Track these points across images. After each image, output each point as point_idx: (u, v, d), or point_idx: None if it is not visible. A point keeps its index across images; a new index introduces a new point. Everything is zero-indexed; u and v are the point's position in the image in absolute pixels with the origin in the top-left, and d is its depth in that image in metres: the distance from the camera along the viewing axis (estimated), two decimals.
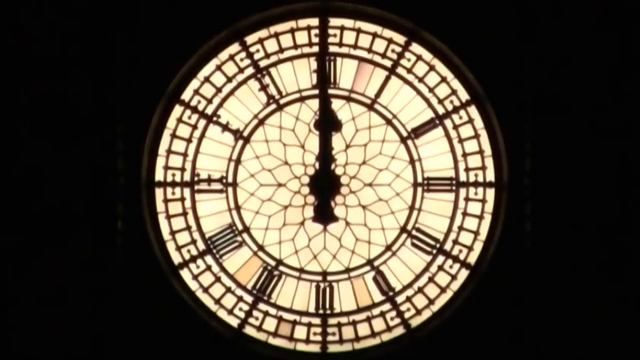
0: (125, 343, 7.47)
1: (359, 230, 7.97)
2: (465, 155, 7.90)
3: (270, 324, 7.89)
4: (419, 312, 7.90)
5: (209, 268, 7.91)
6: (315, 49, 7.99)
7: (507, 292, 7.54)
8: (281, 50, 7.98)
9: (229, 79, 7.96)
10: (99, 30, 7.52)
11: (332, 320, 7.91)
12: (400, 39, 7.94)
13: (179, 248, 7.90)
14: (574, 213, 7.50)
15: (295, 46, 7.99)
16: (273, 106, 7.98)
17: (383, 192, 7.98)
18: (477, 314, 7.62)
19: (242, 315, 7.89)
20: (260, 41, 7.96)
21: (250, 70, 7.98)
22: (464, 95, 7.90)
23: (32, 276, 7.44)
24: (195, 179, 7.93)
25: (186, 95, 7.93)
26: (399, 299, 7.91)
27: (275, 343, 7.89)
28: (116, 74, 7.53)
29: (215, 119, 7.94)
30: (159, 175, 7.91)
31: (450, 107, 7.92)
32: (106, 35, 7.52)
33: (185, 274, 7.89)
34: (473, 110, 7.90)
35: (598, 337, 7.44)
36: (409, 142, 7.95)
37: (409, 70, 7.94)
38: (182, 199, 7.91)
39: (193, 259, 7.91)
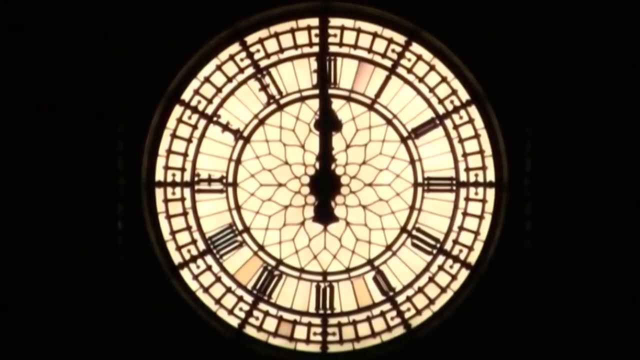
0: (125, 343, 7.47)
1: (359, 230, 7.97)
2: (465, 155, 7.90)
3: (270, 324, 7.89)
4: (419, 312, 7.90)
5: (209, 268, 7.91)
6: (316, 49, 7.99)
7: (507, 292, 7.54)
8: (281, 50, 7.98)
9: (229, 79, 7.96)
10: (99, 30, 7.51)
11: (333, 320, 7.91)
12: (401, 39, 7.94)
13: (179, 248, 7.90)
14: (574, 213, 7.49)
15: (296, 46, 7.99)
16: (273, 106, 7.98)
17: (383, 192, 7.98)
18: (478, 314, 7.62)
19: (242, 315, 7.89)
20: (261, 41, 7.96)
21: (250, 70, 7.98)
22: (464, 95, 7.90)
23: (32, 276, 7.44)
24: (196, 179, 7.93)
25: (186, 95, 7.93)
26: (399, 299, 7.91)
27: (276, 343, 7.89)
28: (116, 74, 7.53)
29: (215, 119, 7.94)
30: (159, 175, 7.91)
31: (450, 107, 7.92)
32: (106, 35, 7.52)
33: (185, 274, 7.89)
34: (473, 110, 7.90)
35: (598, 337, 7.44)
36: (409, 142, 7.95)
37: (409, 70, 7.94)
38: (183, 199, 7.91)
39: (193, 259, 7.91)
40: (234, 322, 7.88)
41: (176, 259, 7.89)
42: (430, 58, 7.91)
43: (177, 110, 7.93)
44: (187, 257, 7.91)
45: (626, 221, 7.45)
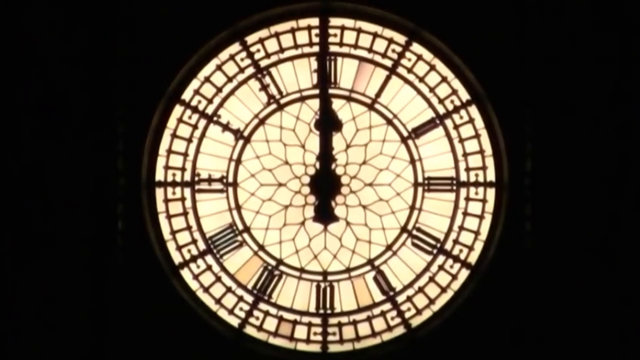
0: (125, 343, 7.48)
1: (359, 230, 7.98)
2: (465, 155, 7.90)
3: (270, 324, 7.90)
4: (419, 311, 7.90)
5: (209, 268, 7.91)
6: (316, 48, 7.99)
7: (508, 291, 7.54)
8: (282, 50, 7.98)
9: (230, 79, 7.96)
10: (99, 30, 7.51)
11: (333, 320, 7.91)
12: (401, 38, 7.94)
13: (179, 248, 7.91)
14: (574, 213, 7.49)
15: (296, 46, 7.99)
16: (273, 106, 7.98)
17: (383, 192, 7.98)
18: (478, 313, 7.62)
19: (242, 315, 7.89)
20: (261, 41, 7.96)
21: (250, 70, 7.98)
22: (465, 95, 7.90)
23: (33, 276, 7.44)
24: (196, 178, 7.94)
25: (187, 95, 7.93)
26: (400, 298, 7.91)
27: (276, 343, 7.89)
28: (117, 74, 7.53)
29: (215, 118, 7.95)
30: (159, 175, 7.91)
31: (450, 107, 7.92)
32: (106, 35, 7.52)
33: (185, 273, 7.90)
34: (473, 110, 7.90)
35: (598, 337, 7.44)
36: (410, 142, 7.95)
37: (410, 70, 7.94)
38: (183, 199, 7.92)
39: (193, 258, 7.92)
40: (234, 321, 7.89)
41: (176, 258, 7.90)
42: (430, 58, 7.91)
43: (178, 110, 7.93)
44: (188, 256, 7.91)
45: (626, 221, 7.45)
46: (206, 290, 7.89)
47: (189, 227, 7.91)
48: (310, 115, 7.97)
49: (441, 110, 7.93)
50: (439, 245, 7.91)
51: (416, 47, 7.93)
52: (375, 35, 7.95)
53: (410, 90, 7.94)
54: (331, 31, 7.98)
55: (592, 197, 7.49)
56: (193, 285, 7.89)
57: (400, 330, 7.90)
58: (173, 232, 7.90)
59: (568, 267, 7.47)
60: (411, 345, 7.77)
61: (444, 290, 7.90)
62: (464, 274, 7.89)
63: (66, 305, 7.43)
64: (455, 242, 7.90)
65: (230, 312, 7.89)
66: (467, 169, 7.91)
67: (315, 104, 7.96)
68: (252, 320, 7.89)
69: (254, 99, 7.99)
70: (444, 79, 7.91)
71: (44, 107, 7.49)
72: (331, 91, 7.95)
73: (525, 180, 7.61)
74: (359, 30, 7.95)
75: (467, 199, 7.91)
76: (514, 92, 7.59)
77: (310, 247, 7.97)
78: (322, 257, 7.98)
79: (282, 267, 7.93)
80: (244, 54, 7.96)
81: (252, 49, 7.96)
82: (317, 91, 7.96)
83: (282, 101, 7.99)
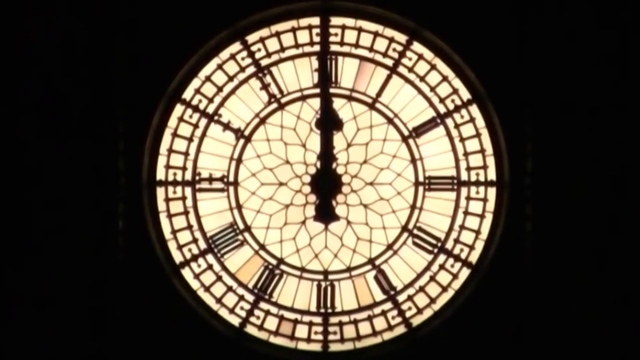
0: (126, 342, 7.48)
1: (360, 229, 7.98)
2: (466, 154, 7.90)
3: (271, 323, 7.90)
4: (420, 311, 7.91)
5: (210, 267, 7.91)
6: (317, 48, 7.99)
7: (508, 291, 7.54)
8: (282, 49, 7.98)
9: (230, 78, 7.96)
10: (99, 30, 7.51)
11: (334, 319, 7.92)
12: (402, 38, 7.94)
13: (180, 247, 7.91)
14: (574, 212, 7.49)
15: (297, 45, 7.99)
16: (274, 105, 7.98)
17: (384, 191, 7.98)
18: (478, 313, 7.62)
19: (243, 314, 7.90)
20: (262, 40, 7.96)
21: (251, 69, 7.98)
22: (465, 95, 7.90)
23: (33, 275, 7.44)
24: (197, 178, 7.94)
25: (187, 94, 7.93)
26: (400, 297, 7.91)
27: (277, 342, 7.90)
28: (117, 73, 7.53)
29: (216, 118, 7.95)
30: (160, 175, 7.91)
31: (451, 106, 7.92)
32: (107, 34, 7.52)
33: (186, 273, 7.90)
34: (474, 109, 7.89)
35: (598, 337, 7.43)
36: (410, 141, 7.95)
37: (410, 70, 7.94)
38: (184, 198, 7.92)
39: (194, 258, 7.92)
40: (235, 321, 7.89)
41: (177, 258, 7.90)
42: (431, 57, 7.91)
43: (178, 109, 7.93)
44: (188, 256, 7.91)
45: (626, 221, 7.45)
46: (207, 289, 7.89)
47: (189, 227, 7.91)
48: (311, 114, 7.97)
49: (442, 109, 7.92)
50: (439, 244, 7.91)
51: (417, 47, 7.92)
52: (376, 34, 7.95)
53: (411, 89, 7.94)
54: (332, 30, 7.98)
55: (593, 197, 7.48)
56: (194, 284, 7.89)
57: (401, 330, 7.91)
58: (174, 232, 7.90)
59: (568, 267, 7.47)
60: (412, 345, 7.77)
61: (444, 289, 7.90)
62: (465, 273, 7.89)
63: (66, 305, 7.43)
64: (456, 241, 7.90)
65: (231, 311, 7.89)
66: (468, 168, 7.91)
67: (316, 103, 7.96)
68: (252, 319, 7.89)
69: (255, 98, 7.99)
70: (445, 78, 7.91)
71: (44, 107, 7.49)
72: (332, 90, 7.95)
73: (526, 180, 7.60)
74: (360, 30, 7.95)
75: (468, 198, 7.91)
76: (515, 92, 7.59)
77: (311, 247, 7.98)
78: (322, 257, 7.98)
79: (282, 267, 7.93)
80: (244, 53, 7.96)
81: (253, 48, 7.96)
82: (317, 90, 7.96)
83: (283, 100, 7.98)
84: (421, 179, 7.94)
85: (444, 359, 7.63)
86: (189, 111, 7.93)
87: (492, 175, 7.89)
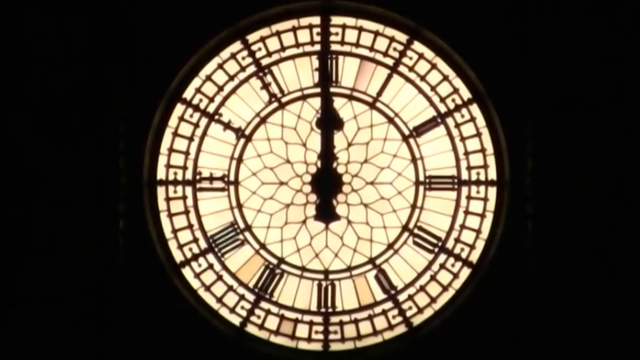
0: (127, 342, 7.48)
1: (360, 229, 7.98)
2: (467, 153, 7.90)
3: (272, 323, 7.90)
4: (420, 310, 7.90)
5: (210, 266, 7.91)
6: (317, 47, 7.98)
7: (509, 290, 7.54)
8: (283, 48, 7.97)
9: (231, 78, 7.96)
10: (100, 29, 7.51)
11: (334, 319, 7.91)
12: (402, 37, 7.94)
13: (180, 246, 7.91)
14: (575, 212, 7.49)
15: (297, 44, 7.98)
16: (275, 104, 7.98)
17: (385, 190, 7.97)
18: (479, 312, 7.62)
19: (244, 313, 7.89)
20: (262, 39, 7.96)
21: (252, 69, 7.98)
22: (466, 94, 7.90)
23: (33, 276, 7.44)
24: (197, 177, 7.94)
25: (188, 94, 7.93)
26: (401, 297, 7.91)
27: (277, 341, 7.89)
28: (118, 73, 7.53)
29: (217, 117, 7.95)
30: (160, 174, 7.91)
31: (452, 106, 7.92)
32: (107, 33, 7.52)
33: (187, 272, 7.90)
34: (475, 109, 7.89)
35: (598, 336, 7.43)
36: (411, 140, 7.95)
37: (411, 69, 7.93)
38: (184, 198, 7.92)
39: (195, 257, 7.92)
40: (235, 320, 7.89)
41: (178, 257, 7.90)
42: (431, 56, 7.91)
43: (179, 108, 7.93)
44: (189, 255, 7.91)
45: (627, 220, 7.44)
46: (207, 288, 7.90)
47: (190, 226, 7.91)
48: (312, 113, 7.97)
49: (442, 108, 7.92)
50: (440, 243, 7.91)
51: (417, 46, 7.92)
52: (376, 33, 7.95)
53: (412, 88, 7.94)
54: (332, 30, 7.97)
55: (593, 197, 7.48)
56: (194, 283, 7.89)
57: (401, 329, 7.90)
58: (174, 231, 7.90)
59: (569, 266, 7.47)
60: (412, 344, 7.77)
61: (445, 288, 7.90)
62: (465, 272, 7.89)
63: (67, 304, 7.43)
64: (457, 240, 7.90)
65: (232, 310, 7.89)
66: (469, 168, 7.91)
67: (316, 102, 7.96)
68: (253, 319, 7.89)
69: (256, 97, 7.99)
70: (445, 78, 7.90)
71: (44, 107, 7.49)
72: (332, 90, 7.95)
73: (526, 179, 7.60)
74: (360, 29, 7.95)
75: (469, 197, 7.90)
76: (515, 91, 7.58)
77: (312, 246, 7.98)
78: (323, 256, 7.98)
79: (283, 266, 7.93)
80: (245, 53, 7.96)
81: (254, 47, 7.96)
82: (318, 90, 7.95)
83: (284, 100, 7.98)
84: (422, 178, 7.94)
85: (444, 358, 7.63)
86: (190, 110, 7.93)
87: (492, 174, 7.89)
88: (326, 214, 7.93)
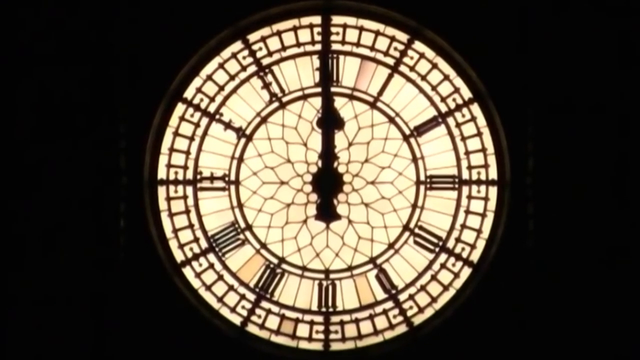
0: (127, 341, 7.48)
1: (361, 228, 7.98)
2: (467, 153, 7.90)
3: (272, 322, 7.90)
4: (421, 310, 7.90)
5: (211, 266, 7.91)
6: (318, 47, 7.99)
7: (510, 290, 7.54)
8: (284, 48, 7.98)
9: (232, 77, 7.96)
10: (101, 29, 7.51)
11: (335, 318, 7.91)
12: (403, 37, 7.94)
13: (181, 246, 7.91)
14: (576, 212, 7.49)
15: (298, 44, 7.99)
16: (275, 104, 7.98)
17: (386, 190, 7.97)
18: (480, 312, 7.62)
19: (244, 313, 7.89)
20: (263, 39, 7.96)
21: (252, 69, 7.98)
22: (467, 93, 7.90)
23: (33, 276, 7.44)
24: (198, 177, 7.94)
25: (189, 94, 7.93)
26: (402, 297, 7.91)
27: (278, 341, 7.89)
28: (118, 73, 7.53)
29: (217, 117, 7.95)
30: (161, 174, 7.92)
31: (452, 105, 7.92)
32: (108, 33, 7.52)
33: (187, 272, 7.90)
34: (475, 108, 7.89)
35: (599, 336, 7.43)
36: (412, 140, 7.95)
37: (412, 69, 7.94)
38: (185, 197, 7.92)
39: (195, 257, 7.92)
40: (236, 320, 7.89)
41: (178, 257, 7.90)
42: (432, 56, 7.91)
43: (180, 108, 7.93)
44: (190, 255, 7.91)
45: (628, 220, 7.44)
46: (208, 288, 7.89)
47: (191, 226, 7.91)
48: (313, 113, 7.97)
49: (443, 108, 7.92)
50: (441, 243, 7.91)
51: (418, 46, 7.92)
52: (377, 33, 7.95)
53: (412, 88, 7.94)
54: (333, 29, 7.97)
55: (594, 196, 7.48)
56: (195, 283, 7.89)
57: (402, 329, 7.90)
58: (175, 231, 7.90)
59: (570, 266, 7.47)
60: (413, 344, 7.77)
61: (446, 288, 7.90)
62: (466, 272, 7.89)
63: (67, 304, 7.43)
64: (458, 240, 7.90)
65: (233, 310, 7.89)
66: (469, 167, 7.91)
67: (317, 102, 7.96)
68: (254, 318, 7.89)
69: (256, 97, 7.99)
70: (446, 77, 7.91)
71: (44, 107, 7.49)
72: (333, 89, 7.95)
73: (527, 179, 7.60)
74: (361, 29, 7.95)
75: (469, 197, 7.91)
76: (516, 90, 7.59)
77: (313, 246, 7.98)
78: (324, 256, 7.98)
79: (284, 266, 7.93)
80: (246, 52, 7.96)
81: (254, 47, 7.96)
82: (319, 89, 7.95)
83: (284, 99, 7.98)
84: (422, 177, 7.94)
85: (445, 358, 7.63)
86: (190, 110, 7.93)
87: (493, 174, 7.89)
88: (327, 213, 7.93)
